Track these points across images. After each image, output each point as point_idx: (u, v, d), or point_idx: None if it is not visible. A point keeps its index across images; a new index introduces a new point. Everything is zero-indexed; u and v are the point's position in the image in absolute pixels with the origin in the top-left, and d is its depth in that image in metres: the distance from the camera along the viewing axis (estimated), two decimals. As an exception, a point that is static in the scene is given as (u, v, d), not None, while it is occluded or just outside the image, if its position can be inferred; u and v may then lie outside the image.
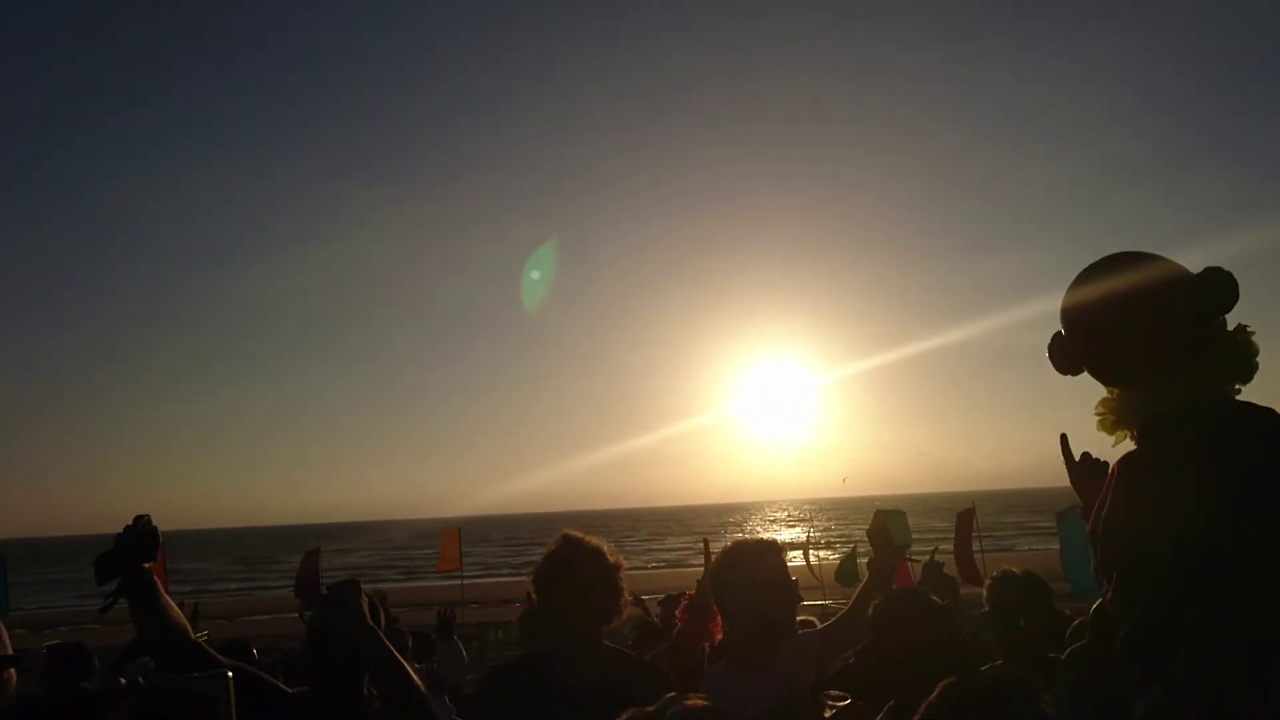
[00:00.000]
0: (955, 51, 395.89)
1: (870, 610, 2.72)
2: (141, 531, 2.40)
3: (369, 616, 2.51)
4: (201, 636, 2.70)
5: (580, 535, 2.68)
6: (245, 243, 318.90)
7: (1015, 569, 3.08)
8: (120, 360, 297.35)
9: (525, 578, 2.72)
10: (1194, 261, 1.66)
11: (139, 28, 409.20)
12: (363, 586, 2.55)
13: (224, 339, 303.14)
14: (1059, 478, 2.09)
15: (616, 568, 2.63)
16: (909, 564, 8.01)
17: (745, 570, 2.87)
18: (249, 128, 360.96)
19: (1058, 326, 1.75)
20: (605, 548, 2.65)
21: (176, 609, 2.51)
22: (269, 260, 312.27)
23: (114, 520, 2.41)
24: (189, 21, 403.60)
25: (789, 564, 2.97)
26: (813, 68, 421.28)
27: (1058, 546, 12.37)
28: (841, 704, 2.92)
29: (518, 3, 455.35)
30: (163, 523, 2.47)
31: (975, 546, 20.11)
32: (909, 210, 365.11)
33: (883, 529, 3.03)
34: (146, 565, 2.41)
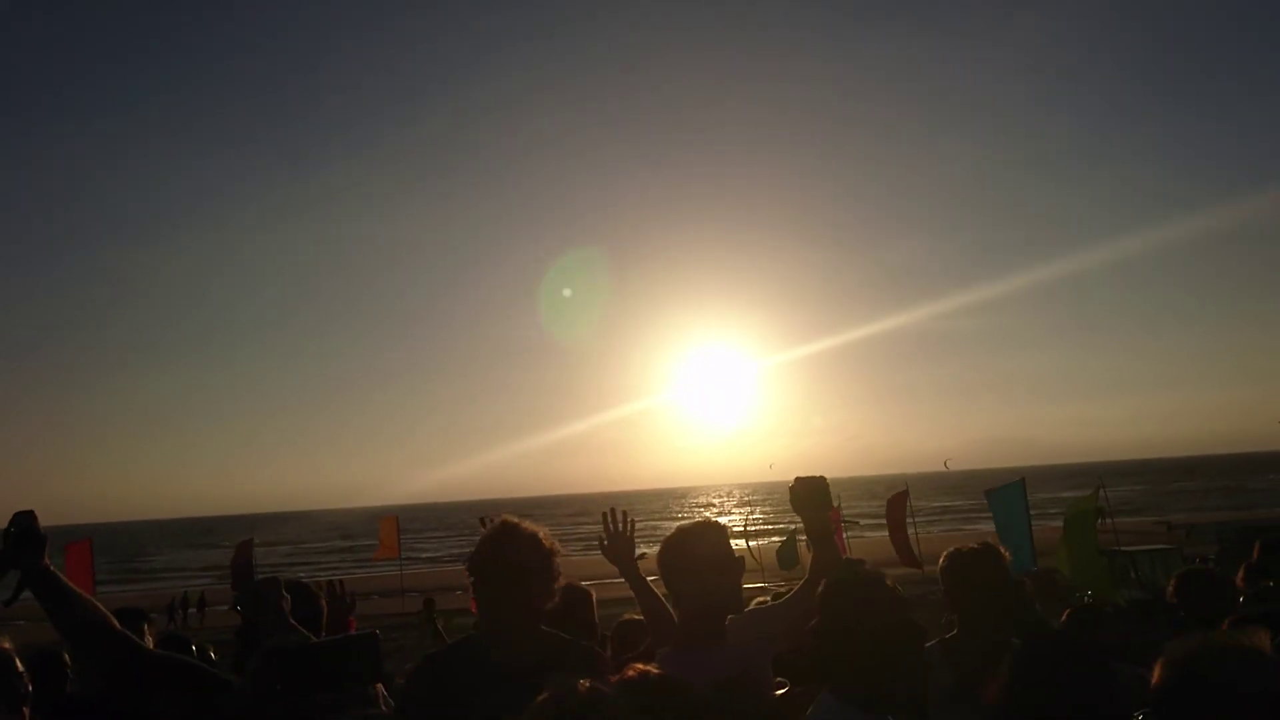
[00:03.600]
0: (888, 40, 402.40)
1: (819, 590, 2.64)
2: (7, 531, 2.32)
3: (290, 613, 2.61)
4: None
5: (518, 520, 2.68)
6: (162, 230, 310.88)
7: (971, 544, 3.08)
8: (23, 353, 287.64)
9: (464, 566, 2.69)
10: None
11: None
12: (283, 581, 2.65)
13: (134, 330, 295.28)
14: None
15: (553, 553, 2.66)
16: (844, 528, 8.13)
17: (686, 550, 2.86)
18: (185, 111, 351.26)
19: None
20: (542, 533, 2.68)
21: (93, 600, 2.43)
22: (189, 249, 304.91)
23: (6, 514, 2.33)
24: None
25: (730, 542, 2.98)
26: (742, 56, 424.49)
27: (993, 526, 12.56)
28: (780, 691, 2.89)
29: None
30: (80, 515, 2.39)
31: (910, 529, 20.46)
32: (841, 198, 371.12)
33: (802, 495, 3.04)
34: (35, 561, 2.30)
